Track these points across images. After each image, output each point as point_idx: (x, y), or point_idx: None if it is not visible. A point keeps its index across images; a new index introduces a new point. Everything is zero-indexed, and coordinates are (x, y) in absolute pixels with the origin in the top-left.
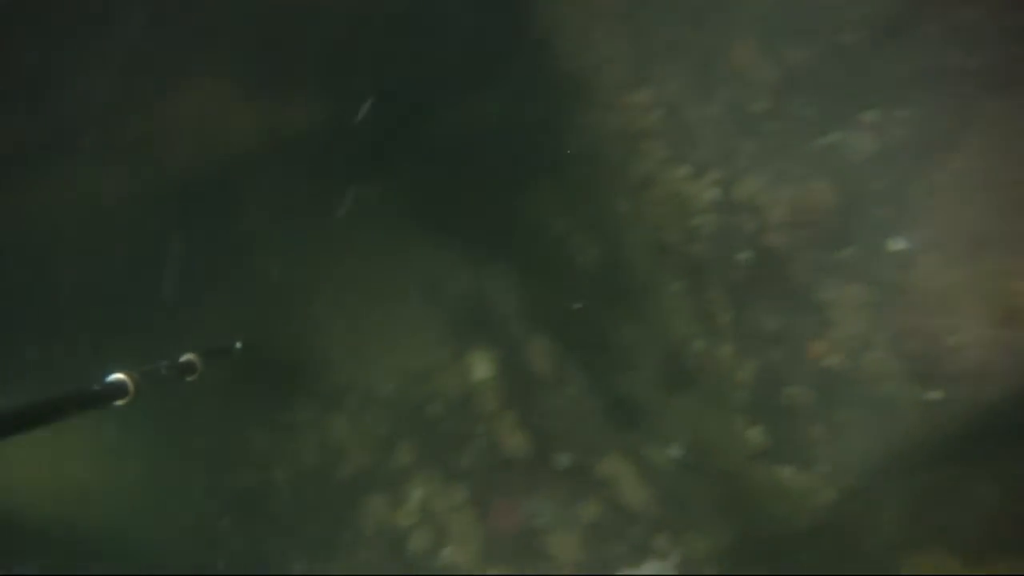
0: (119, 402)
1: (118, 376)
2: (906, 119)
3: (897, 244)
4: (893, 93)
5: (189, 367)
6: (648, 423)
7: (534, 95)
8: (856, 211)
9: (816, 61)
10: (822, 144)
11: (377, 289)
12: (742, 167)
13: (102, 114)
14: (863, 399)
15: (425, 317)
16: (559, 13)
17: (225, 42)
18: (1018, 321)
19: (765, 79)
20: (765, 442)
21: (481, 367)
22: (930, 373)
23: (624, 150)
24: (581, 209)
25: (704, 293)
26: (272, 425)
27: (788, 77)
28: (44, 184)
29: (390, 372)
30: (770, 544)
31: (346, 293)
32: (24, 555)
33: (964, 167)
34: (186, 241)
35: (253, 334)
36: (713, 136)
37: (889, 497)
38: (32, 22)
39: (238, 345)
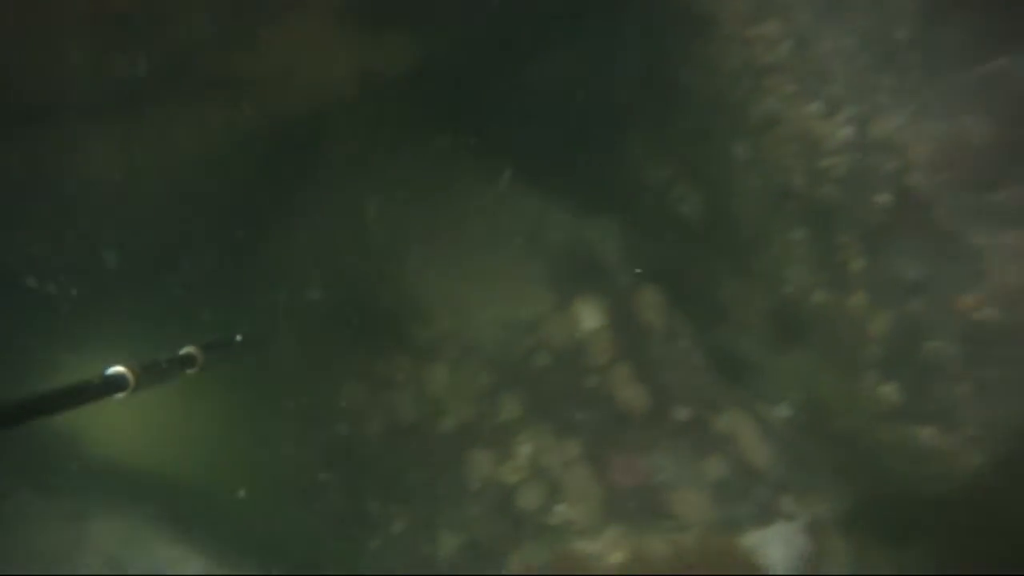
0: (119, 395)
1: (118, 369)
2: None
3: None
4: None
5: (189, 360)
6: (765, 378)
7: (648, 29)
8: (1016, 149)
9: None
10: (977, 74)
11: (475, 237)
12: (881, 103)
13: (200, 51)
14: (1019, 357)
15: (526, 266)
16: None
17: None
18: None
19: (907, 2)
20: (900, 400)
21: (590, 317)
22: None
23: (746, 88)
24: (691, 153)
25: (831, 240)
26: (367, 377)
27: None
28: (143, 123)
29: (491, 322)
30: (902, 510)
31: (443, 240)
32: (124, 506)
33: None
34: (279, 184)
35: (346, 282)
36: (847, 70)
37: None
38: None
39: (238, 337)
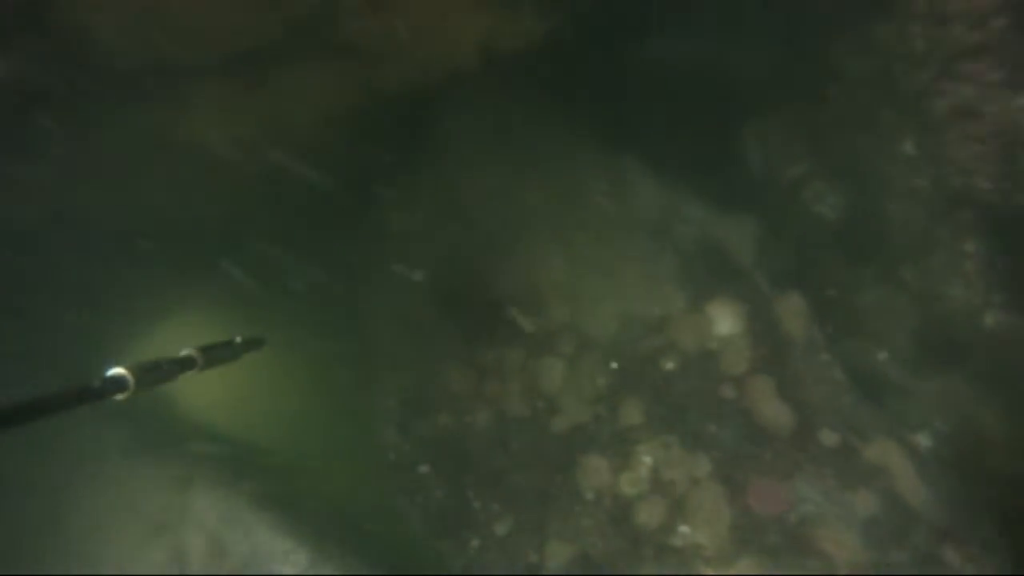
0: (119, 396)
1: (118, 370)
2: None
3: None
4: None
5: (189, 362)
6: (912, 403)
7: (803, 3)
8: None
9: None
10: None
11: (600, 225)
12: None
13: (331, 17)
14: None
15: (655, 260)
16: None
17: None
18: None
19: None
20: None
21: (726, 321)
22: None
23: (931, 74)
24: (844, 147)
25: (1017, 256)
26: (476, 365)
27: None
28: (268, 87)
29: (614, 317)
30: None
31: (563, 225)
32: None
33: None
34: (394, 157)
35: (459, 262)
36: None
37: None
38: None
39: (238, 339)
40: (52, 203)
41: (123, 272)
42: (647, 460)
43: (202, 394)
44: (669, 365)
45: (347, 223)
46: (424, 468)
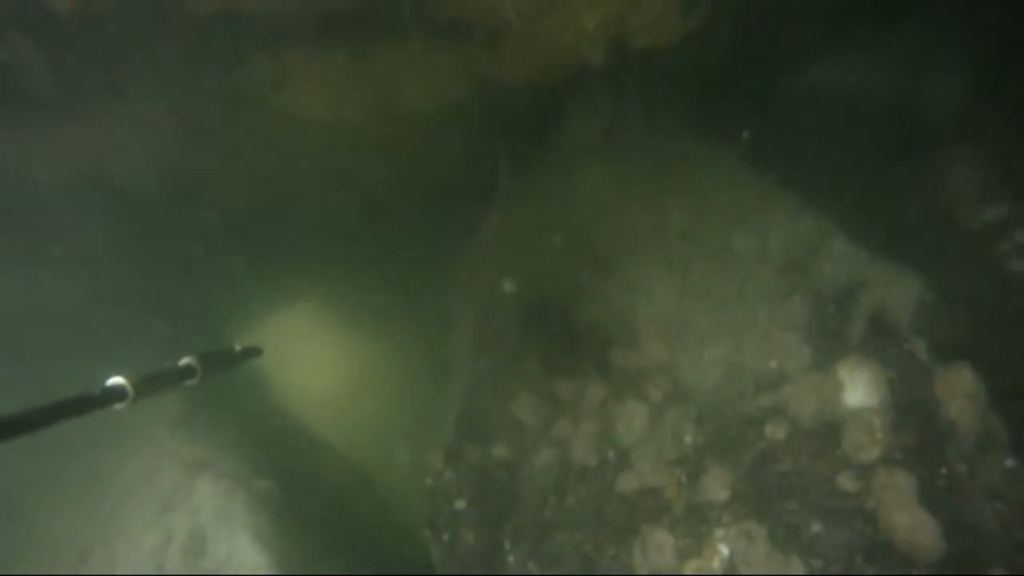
0: (118, 405)
1: (117, 380)
2: None
3: None
4: None
5: (188, 371)
6: None
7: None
8: None
9: None
10: None
11: (720, 253)
12: None
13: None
14: None
15: (782, 301)
16: None
17: None
18: None
19: None
20: None
21: (860, 389)
22: None
23: None
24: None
25: None
26: (550, 397)
27: None
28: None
29: (718, 364)
30: None
31: (680, 250)
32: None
33: None
34: (503, 152)
35: (556, 276)
36: None
37: None
38: None
39: (237, 348)
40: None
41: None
42: (723, 550)
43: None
44: (775, 434)
45: (443, 217)
46: (461, 504)
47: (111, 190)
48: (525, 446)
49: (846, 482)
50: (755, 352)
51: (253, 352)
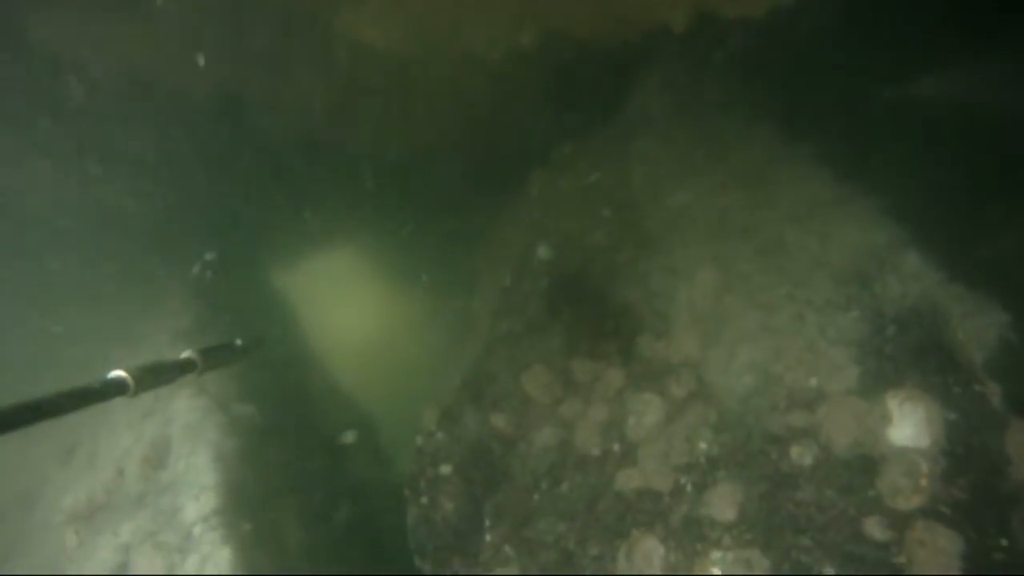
0: (119, 397)
1: (118, 372)
2: None
3: None
4: None
5: (189, 364)
6: None
7: None
8: None
9: None
10: None
11: (776, 250)
12: None
13: None
14: None
15: (836, 312)
16: None
17: None
18: None
19: None
20: None
21: (911, 424)
22: None
23: None
24: None
25: None
26: (564, 373)
27: None
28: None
29: (752, 369)
30: None
31: (732, 241)
32: None
33: None
34: (563, 113)
35: (595, 251)
36: None
37: None
38: None
39: (238, 342)
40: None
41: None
42: (715, 573)
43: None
44: (802, 458)
45: (492, 173)
46: (447, 469)
47: (161, 94)
48: (527, 421)
49: (874, 528)
50: (795, 364)
51: (255, 345)
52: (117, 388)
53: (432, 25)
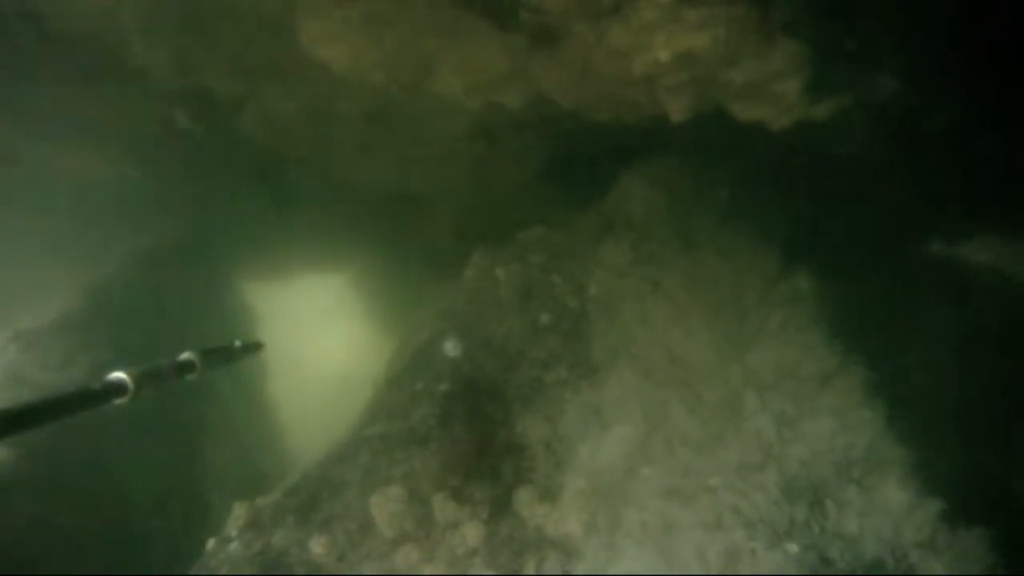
0: (118, 400)
1: (117, 375)
2: None
3: None
4: None
5: (188, 366)
6: None
7: None
8: None
9: None
10: None
11: (714, 419)
12: None
13: None
14: None
15: (752, 530)
16: None
17: None
18: None
19: None
20: None
21: None
22: None
23: None
24: None
25: None
26: (416, 504)
27: None
28: None
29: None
30: None
31: (663, 386)
32: None
33: None
34: (532, 180)
35: (505, 354)
36: None
37: None
38: None
39: (237, 343)
40: None
41: None
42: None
43: None
44: None
45: (438, 235)
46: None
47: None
48: (355, 556)
49: None
50: None
51: (254, 348)
52: (116, 391)
53: (400, 52)
